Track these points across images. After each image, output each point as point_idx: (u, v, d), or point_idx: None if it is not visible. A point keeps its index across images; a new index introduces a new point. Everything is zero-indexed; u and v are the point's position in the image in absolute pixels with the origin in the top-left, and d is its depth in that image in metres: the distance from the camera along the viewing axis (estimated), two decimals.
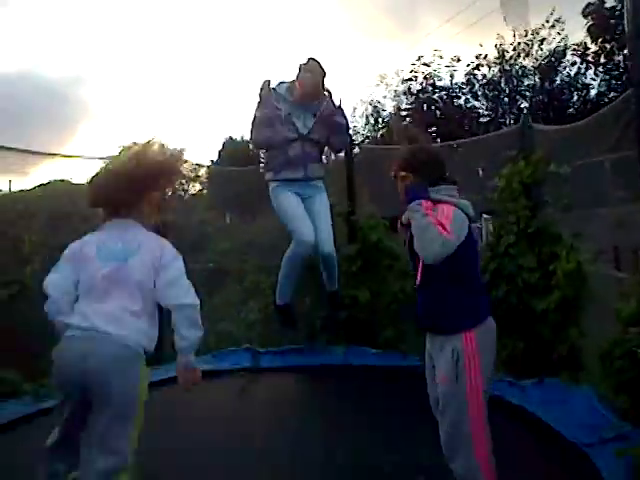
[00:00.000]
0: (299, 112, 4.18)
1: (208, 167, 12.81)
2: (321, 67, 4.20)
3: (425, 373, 2.44)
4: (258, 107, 4.22)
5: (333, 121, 4.20)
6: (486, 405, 2.23)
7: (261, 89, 4.25)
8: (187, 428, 3.60)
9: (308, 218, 4.13)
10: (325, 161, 4.49)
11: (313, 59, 4.21)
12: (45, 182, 6.18)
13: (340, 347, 5.08)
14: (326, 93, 4.23)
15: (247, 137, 26.97)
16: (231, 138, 27.72)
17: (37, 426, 3.81)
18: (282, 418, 3.92)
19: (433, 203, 2.21)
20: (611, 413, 3.28)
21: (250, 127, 4.32)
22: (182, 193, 18.57)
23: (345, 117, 4.35)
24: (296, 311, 4.64)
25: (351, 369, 4.80)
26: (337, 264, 4.39)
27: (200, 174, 18.30)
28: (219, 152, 27.09)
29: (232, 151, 24.35)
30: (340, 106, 4.27)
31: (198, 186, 19.47)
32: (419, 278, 2.32)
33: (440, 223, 2.11)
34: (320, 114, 4.18)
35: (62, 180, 6.32)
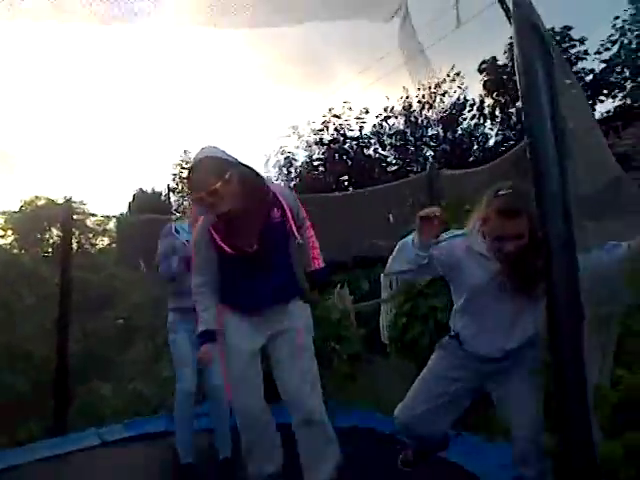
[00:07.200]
0: None
1: (118, 219, 12.30)
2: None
3: None
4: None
5: None
6: None
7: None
8: None
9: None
10: None
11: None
12: None
13: None
14: None
15: (158, 189, 26.34)
16: (142, 190, 26.96)
17: None
18: None
19: None
20: None
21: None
22: (89, 247, 17.80)
23: None
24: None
25: None
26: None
27: (108, 227, 17.64)
28: (129, 204, 26.27)
29: (143, 203, 23.65)
30: None
31: (107, 240, 18.74)
32: None
33: None
34: None
35: None
